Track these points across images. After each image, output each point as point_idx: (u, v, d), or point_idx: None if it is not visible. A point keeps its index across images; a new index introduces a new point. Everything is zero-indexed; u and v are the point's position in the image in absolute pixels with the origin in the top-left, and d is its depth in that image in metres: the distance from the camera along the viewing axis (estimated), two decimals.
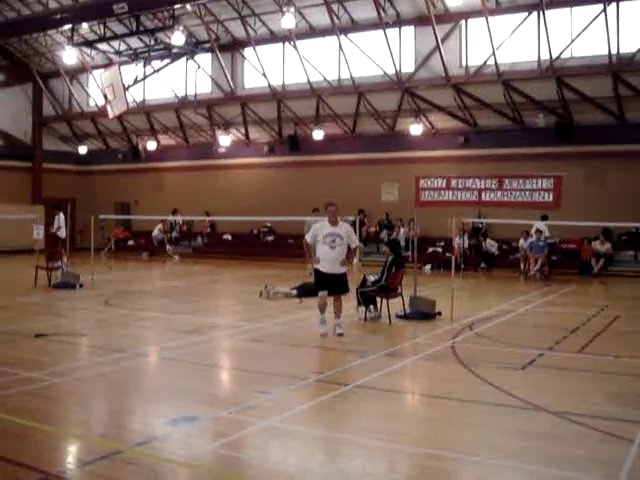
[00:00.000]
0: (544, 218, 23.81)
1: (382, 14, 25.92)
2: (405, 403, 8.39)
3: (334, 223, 11.96)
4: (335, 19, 26.86)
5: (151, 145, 35.08)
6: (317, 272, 12.01)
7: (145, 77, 32.17)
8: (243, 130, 32.73)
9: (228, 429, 6.89)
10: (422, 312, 14.06)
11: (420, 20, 26.38)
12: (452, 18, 26.03)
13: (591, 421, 7.12)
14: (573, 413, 7.40)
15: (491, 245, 26.04)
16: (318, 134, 30.00)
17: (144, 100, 34.23)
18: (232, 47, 31.11)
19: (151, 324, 13.92)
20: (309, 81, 28.94)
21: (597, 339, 12.02)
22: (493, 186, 27.11)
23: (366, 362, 9.95)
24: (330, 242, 11.79)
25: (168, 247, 32.37)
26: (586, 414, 7.35)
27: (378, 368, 9.48)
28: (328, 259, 11.83)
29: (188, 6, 26.93)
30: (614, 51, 23.39)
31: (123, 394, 8.37)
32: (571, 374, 9.46)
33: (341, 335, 11.78)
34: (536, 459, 6.10)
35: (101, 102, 32.53)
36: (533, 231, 23.62)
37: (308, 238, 12.17)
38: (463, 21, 26.29)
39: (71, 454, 6.39)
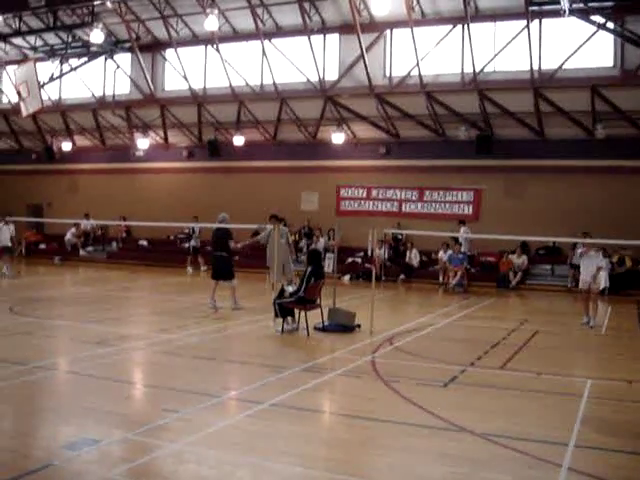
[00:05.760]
0: (462, 223, 24.09)
1: (307, 20, 25.60)
2: (324, 424, 7.96)
3: None
4: (259, 23, 26.41)
5: (66, 146, 33.80)
6: None
7: (62, 75, 31.23)
8: (162, 133, 31.91)
9: (132, 453, 6.35)
10: (341, 325, 13.72)
11: (345, 28, 26.09)
12: (377, 27, 25.86)
13: (517, 444, 6.84)
14: (498, 435, 7.12)
15: (415, 256, 25.84)
16: (239, 140, 29.38)
17: (60, 99, 33.04)
18: (153, 48, 30.27)
19: (57, 334, 13.17)
20: (231, 85, 28.35)
21: (518, 355, 11.87)
22: (413, 197, 27.40)
23: (283, 378, 9.49)
24: None
25: (82, 252, 31.43)
26: (511, 436, 7.08)
27: (295, 385, 9.03)
28: None
29: (108, 3, 26.01)
30: (536, 67, 23.59)
31: (20, 413, 7.70)
32: (494, 392, 9.21)
33: None
34: None
35: (15, 99, 31.24)
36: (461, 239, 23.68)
37: None
38: (388, 31, 26.15)
39: None
